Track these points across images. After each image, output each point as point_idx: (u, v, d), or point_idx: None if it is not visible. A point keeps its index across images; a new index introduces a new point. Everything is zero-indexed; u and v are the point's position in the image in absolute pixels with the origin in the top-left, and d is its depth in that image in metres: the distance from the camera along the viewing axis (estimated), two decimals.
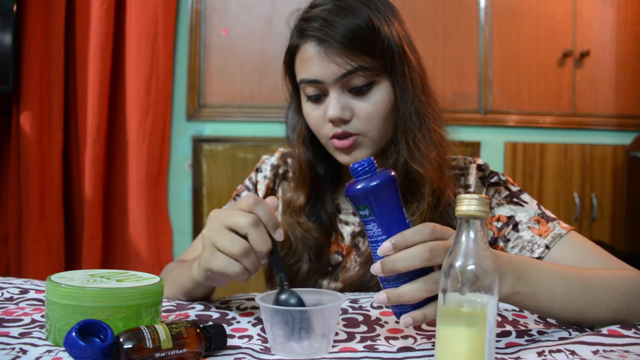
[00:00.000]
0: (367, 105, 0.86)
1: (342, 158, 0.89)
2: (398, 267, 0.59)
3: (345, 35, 0.82)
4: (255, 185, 1.06)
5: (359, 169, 0.62)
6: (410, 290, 0.59)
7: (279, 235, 0.68)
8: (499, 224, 0.89)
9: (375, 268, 0.60)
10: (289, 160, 1.05)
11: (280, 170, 1.05)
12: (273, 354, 0.62)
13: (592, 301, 0.70)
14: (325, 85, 0.86)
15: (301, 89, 0.90)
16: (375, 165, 0.63)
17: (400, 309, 0.63)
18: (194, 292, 0.84)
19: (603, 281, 0.73)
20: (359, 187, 0.61)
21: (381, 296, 0.61)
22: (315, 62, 0.85)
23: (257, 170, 1.07)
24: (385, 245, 0.59)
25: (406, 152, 0.87)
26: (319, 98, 0.88)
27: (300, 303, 0.67)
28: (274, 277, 1.02)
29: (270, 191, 1.04)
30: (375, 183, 0.61)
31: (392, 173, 0.63)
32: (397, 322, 0.69)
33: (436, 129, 0.89)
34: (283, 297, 0.67)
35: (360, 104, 0.86)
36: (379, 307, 0.81)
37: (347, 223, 0.97)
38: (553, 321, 0.76)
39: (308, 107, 0.90)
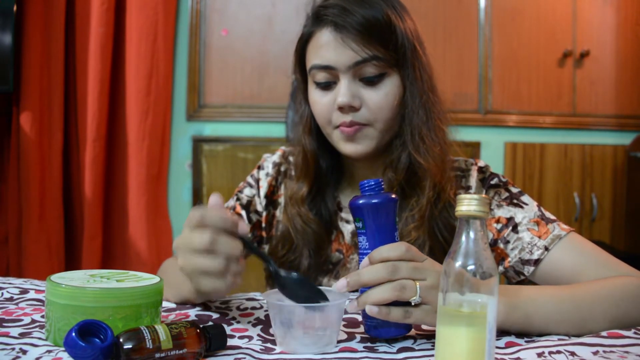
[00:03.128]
0: (378, 96, 0.86)
1: (347, 147, 0.89)
2: (363, 279, 0.63)
3: (362, 23, 0.83)
4: (257, 182, 1.05)
5: (366, 185, 0.68)
6: (378, 291, 0.62)
7: (242, 229, 0.66)
8: (499, 226, 0.89)
9: (340, 284, 0.64)
10: (291, 159, 1.05)
11: (283, 168, 1.05)
12: (274, 353, 0.63)
13: (586, 317, 0.70)
14: (337, 72, 0.86)
15: (310, 77, 0.90)
16: (382, 186, 0.68)
17: (372, 322, 0.66)
18: (194, 302, 0.83)
19: (595, 295, 0.72)
20: (360, 201, 0.67)
21: (352, 304, 0.65)
22: (330, 48, 0.85)
23: (259, 168, 1.07)
24: (364, 262, 0.65)
25: (411, 145, 0.88)
26: (328, 86, 0.88)
27: (301, 277, 0.67)
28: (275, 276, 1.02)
29: (273, 188, 1.04)
30: (374, 201, 0.67)
31: (394, 196, 0.68)
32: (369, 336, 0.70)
33: (440, 125, 0.90)
34: (283, 274, 0.67)
35: (370, 94, 0.86)
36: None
37: (347, 222, 0.97)
38: None
39: (316, 95, 0.90)
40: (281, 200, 1.03)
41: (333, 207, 0.98)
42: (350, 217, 0.97)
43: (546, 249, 0.84)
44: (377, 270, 0.63)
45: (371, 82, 0.86)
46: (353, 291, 0.90)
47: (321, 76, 0.88)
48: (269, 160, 1.07)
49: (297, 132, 0.99)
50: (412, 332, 0.70)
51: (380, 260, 0.63)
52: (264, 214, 1.03)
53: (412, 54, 0.88)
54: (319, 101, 0.89)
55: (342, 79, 0.86)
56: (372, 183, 0.67)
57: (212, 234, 0.62)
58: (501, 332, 0.70)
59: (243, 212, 1.03)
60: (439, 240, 0.89)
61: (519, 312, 0.68)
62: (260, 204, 1.03)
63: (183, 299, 0.83)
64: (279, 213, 1.03)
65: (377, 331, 0.66)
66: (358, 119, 0.86)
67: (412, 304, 0.63)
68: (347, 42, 0.84)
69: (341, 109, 0.86)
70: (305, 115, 0.96)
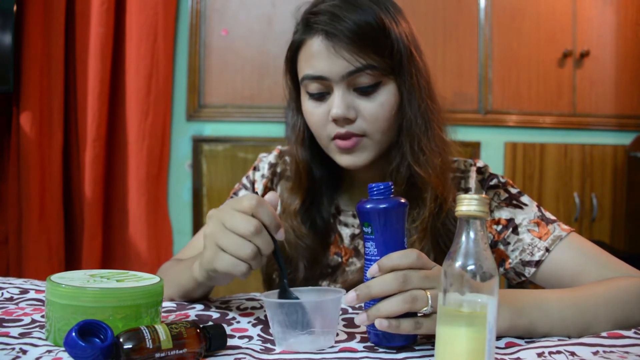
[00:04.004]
0: (373, 106, 0.83)
1: (343, 159, 0.87)
2: (373, 292, 0.61)
3: (354, 30, 0.80)
4: (252, 184, 1.05)
5: (375, 189, 0.65)
6: (389, 304, 0.60)
7: (280, 235, 0.69)
8: (499, 227, 0.89)
9: (350, 297, 0.62)
10: (287, 159, 1.04)
11: (279, 169, 1.04)
12: (274, 353, 0.63)
13: (590, 321, 0.69)
14: (330, 83, 0.83)
15: (303, 87, 0.87)
16: (392, 189, 0.66)
17: (377, 330, 0.63)
18: (194, 293, 0.83)
19: (599, 299, 0.72)
20: (368, 205, 0.65)
21: (361, 317, 0.62)
22: (322, 58, 0.82)
23: (255, 169, 1.06)
24: (373, 268, 0.62)
25: (410, 157, 0.85)
26: (321, 96, 0.85)
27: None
28: (272, 278, 1.02)
29: (268, 190, 1.03)
30: (384, 205, 0.64)
31: (404, 201, 0.65)
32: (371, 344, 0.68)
33: (440, 134, 0.88)
34: (283, 296, 0.69)
35: (365, 104, 0.83)
36: None
37: (346, 225, 0.97)
38: None
39: (309, 106, 0.87)
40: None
41: (330, 212, 0.96)
42: (349, 220, 0.97)
43: (547, 250, 0.84)
44: (388, 282, 0.60)
45: (366, 92, 0.83)
46: None
47: (314, 87, 0.84)
48: (265, 161, 1.06)
49: (289, 142, 0.96)
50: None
51: (391, 268, 0.61)
52: None
53: (409, 59, 0.84)
54: (313, 112, 0.86)
55: (336, 90, 0.83)
56: (382, 187, 0.65)
57: (256, 229, 0.65)
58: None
59: None
60: (442, 251, 0.88)
61: (525, 319, 0.67)
62: None
63: (182, 289, 0.83)
64: None
65: (382, 340, 0.65)
66: (354, 130, 0.84)
67: (423, 314, 0.62)
68: (339, 52, 0.80)
69: (336, 120, 0.83)
70: (298, 126, 0.93)
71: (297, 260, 0.94)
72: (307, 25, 0.84)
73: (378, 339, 0.65)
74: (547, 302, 0.70)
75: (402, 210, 0.65)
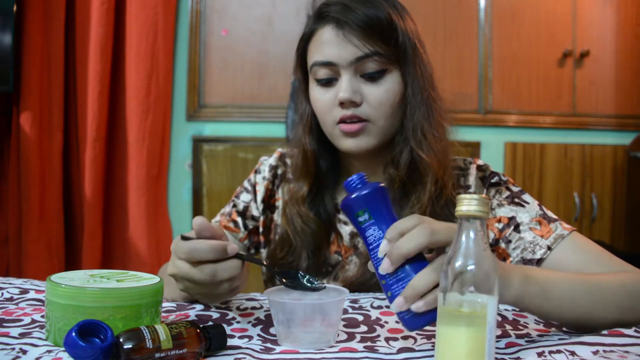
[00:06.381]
0: (379, 92, 0.87)
1: (347, 143, 0.89)
2: (404, 250, 0.58)
3: (364, 20, 0.85)
4: (254, 186, 1.05)
5: (350, 182, 0.66)
6: (423, 280, 0.58)
7: (232, 250, 0.66)
8: (500, 225, 0.89)
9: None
10: (288, 161, 1.05)
11: (279, 171, 1.05)
12: (274, 353, 0.63)
13: (599, 301, 0.70)
14: (338, 68, 0.87)
15: (311, 74, 0.91)
16: (365, 179, 0.66)
17: (409, 314, 0.60)
18: (192, 298, 0.84)
19: (607, 283, 0.73)
20: (353, 196, 0.64)
21: (398, 300, 0.59)
22: (331, 44, 0.86)
23: (256, 172, 1.07)
24: (383, 244, 0.60)
25: (413, 141, 0.88)
26: (329, 82, 0.89)
27: (300, 277, 0.72)
28: (273, 279, 1.02)
29: (270, 192, 1.04)
30: (368, 190, 0.64)
31: (382, 184, 0.65)
32: (405, 329, 0.65)
33: (442, 122, 0.91)
34: (286, 277, 0.72)
35: (371, 90, 0.87)
36: (379, 307, 0.81)
37: (346, 223, 0.97)
38: (553, 323, 0.76)
39: (317, 92, 0.90)
40: (279, 204, 1.03)
41: (331, 209, 0.97)
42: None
43: (549, 248, 0.84)
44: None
45: (372, 78, 0.87)
46: (350, 288, 0.88)
47: (322, 73, 0.88)
48: (266, 164, 1.07)
49: (297, 132, 0.99)
50: (413, 332, 0.70)
51: (399, 233, 0.59)
52: (261, 218, 1.03)
53: (413, 51, 0.89)
54: (320, 98, 0.90)
55: (344, 75, 0.87)
56: (355, 177, 0.65)
57: (211, 269, 0.65)
58: (501, 333, 0.70)
59: (239, 219, 1.03)
60: None
61: (535, 285, 0.66)
62: (257, 209, 1.03)
63: (183, 297, 0.84)
64: (277, 217, 1.03)
65: (417, 320, 0.60)
66: (359, 114, 0.87)
67: None
68: (348, 38, 0.85)
69: (342, 104, 0.87)
70: (306, 115, 0.96)
71: (300, 250, 0.95)
72: (319, 16, 0.89)
73: (414, 323, 0.60)
74: (556, 276, 0.70)
75: (387, 191, 0.66)
